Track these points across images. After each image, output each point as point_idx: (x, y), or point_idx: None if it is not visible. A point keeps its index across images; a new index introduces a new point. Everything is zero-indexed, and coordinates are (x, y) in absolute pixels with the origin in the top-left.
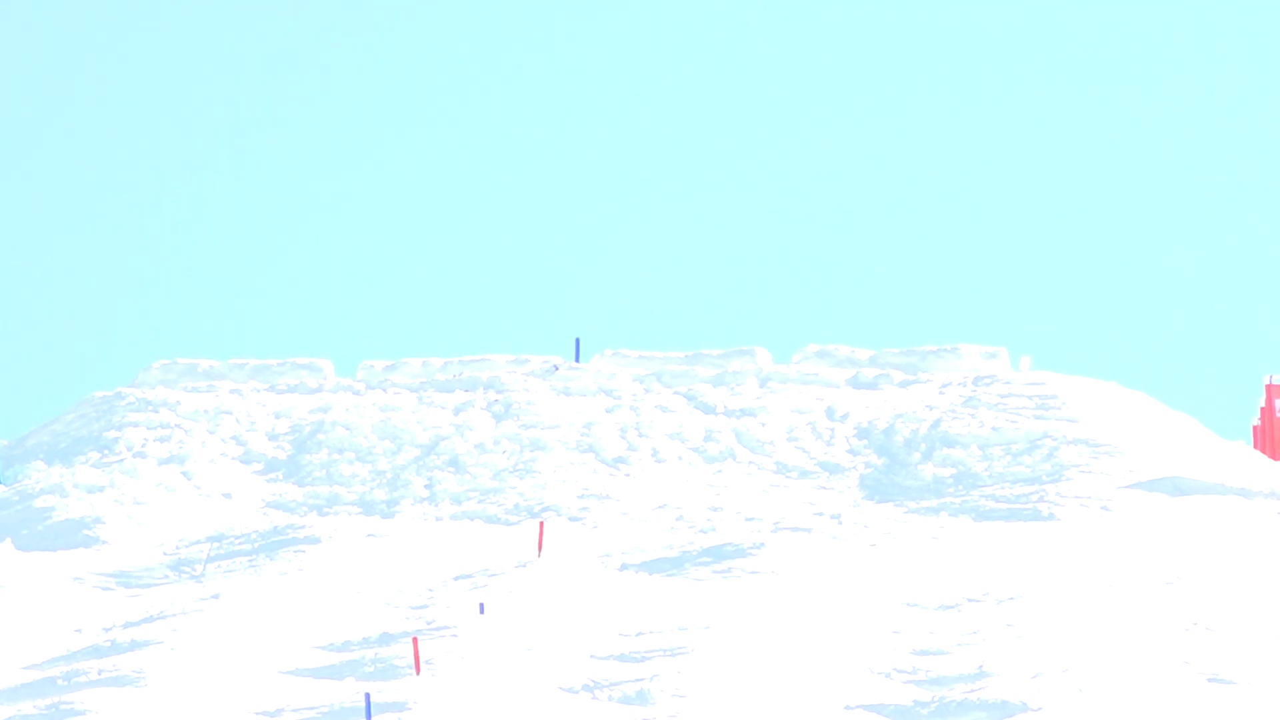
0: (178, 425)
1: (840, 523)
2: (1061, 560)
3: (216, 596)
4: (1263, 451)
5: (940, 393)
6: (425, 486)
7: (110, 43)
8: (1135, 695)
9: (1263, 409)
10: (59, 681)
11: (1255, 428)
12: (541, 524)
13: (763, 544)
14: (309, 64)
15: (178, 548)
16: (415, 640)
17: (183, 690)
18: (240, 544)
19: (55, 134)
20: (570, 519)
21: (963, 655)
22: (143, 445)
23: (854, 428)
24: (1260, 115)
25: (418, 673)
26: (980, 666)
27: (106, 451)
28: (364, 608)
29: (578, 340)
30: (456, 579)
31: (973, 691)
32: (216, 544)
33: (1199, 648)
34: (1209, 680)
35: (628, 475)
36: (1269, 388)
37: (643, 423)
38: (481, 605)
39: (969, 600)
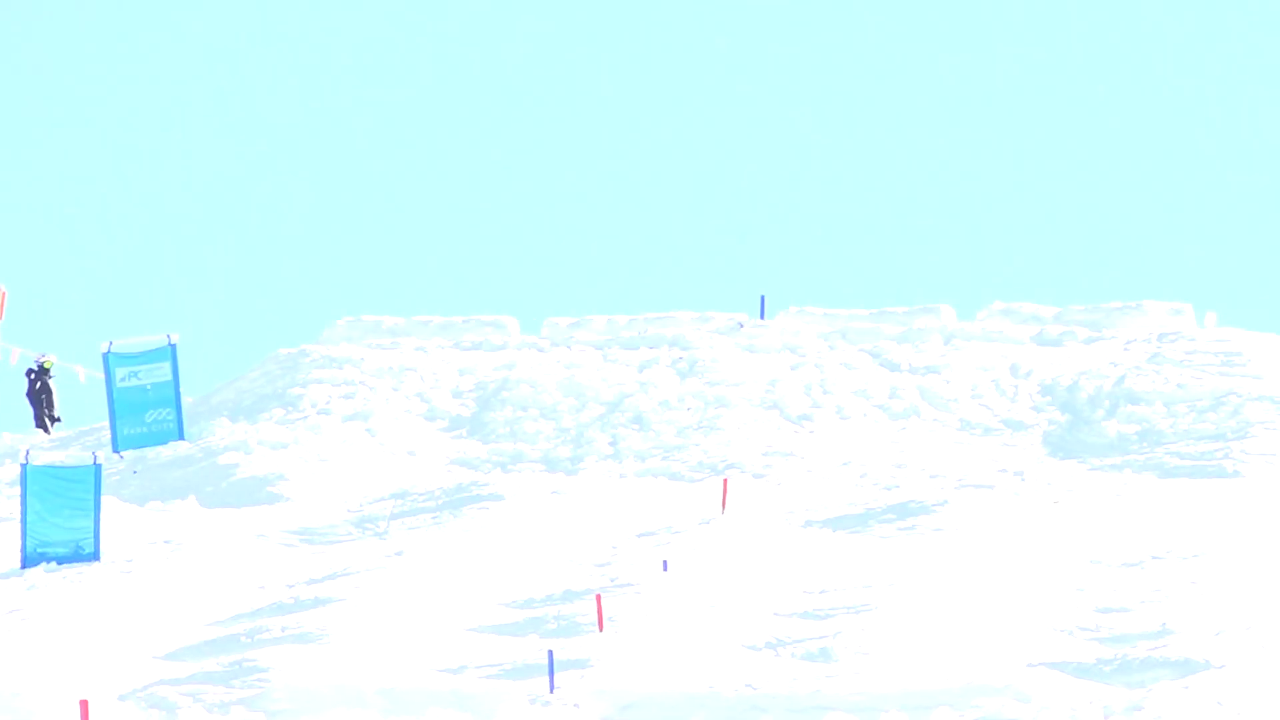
0: (362, 382)
1: (1024, 480)
2: (1245, 517)
3: (400, 553)
4: None
5: (1125, 349)
6: (609, 444)
7: (285, 28)
8: None
9: None
10: (243, 638)
11: None
12: (725, 481)
13: (946, 501)
14: (485, 46)
15: (361, 505)
16: (599, 597)
17: (366, 647)
18: (424, 501)
19: (229, 107)
20: (754, 476)
21: (1146, 613)
22: (327, 402)
23: (1038, 385)
24: None
25: (601, 630)
26: (1163, 624)
27: (291, 408)
28: (547, 565)
29: (763, 297)
30: (640, 536)
31: (1156, 649)
32: (400, 501)
33: None
34: None
35: (812, 432)
36: None
37: (827, 380)
38: (665, 562)
39: (1152, 558)
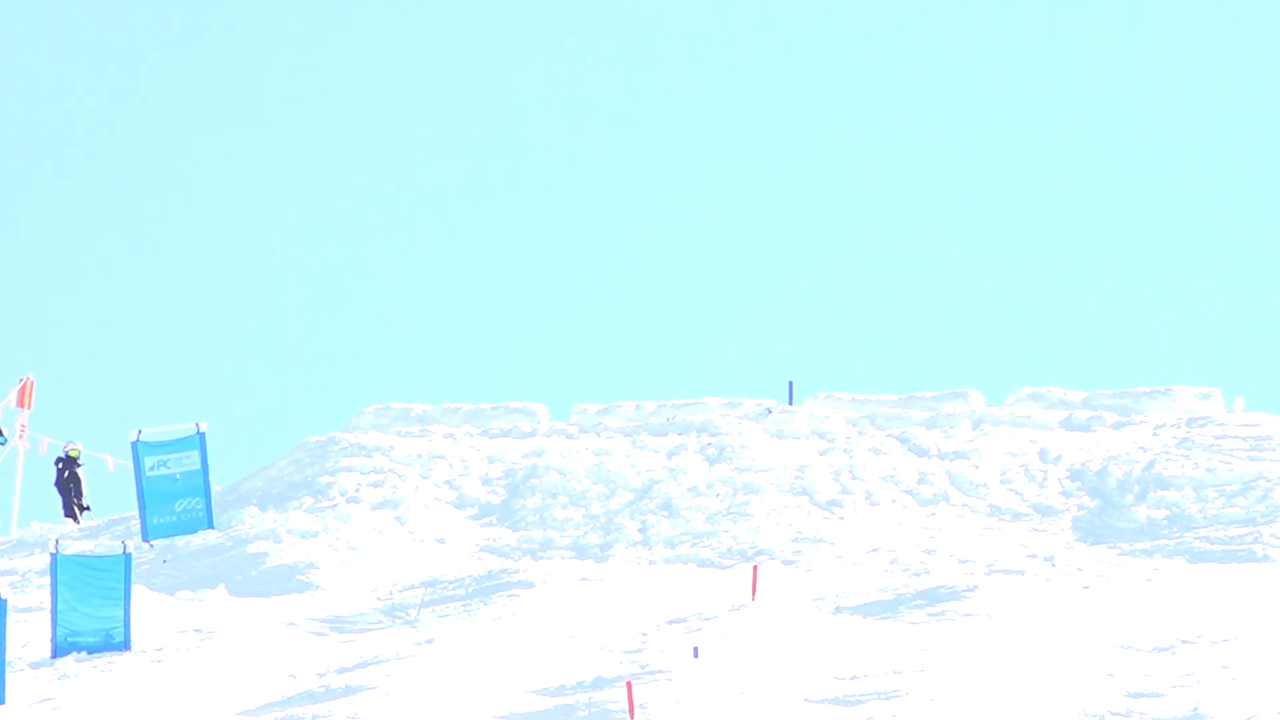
0: (391, 470)
1: (1054, 565)
2: (1277, 601)
3: (430, 641)
4: None
5: (1154, 434)
6: (639, 530)
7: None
8: None
9: None
10: None
11: None
12: (755, 567)
13: (976, 586)
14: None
15: (391, 592)
16: (629, 684)
17: None
18: (454, 588)
19: (259, 196)
20: (784, 562)
21: (1177, 698)
22: (356, 490)
23: (1067, 470)
24: None
25: (632, 717)
26: (1195, 709)
27: (320, 496)
28: (578, 652)
29: (791, 383)
30: (670, 623)
31: None
32: (430, 589)
33: None
34: None
35: (841, 518)
36: None
37: (856, 465)
38: (696, 649)
39: (1183, 642)
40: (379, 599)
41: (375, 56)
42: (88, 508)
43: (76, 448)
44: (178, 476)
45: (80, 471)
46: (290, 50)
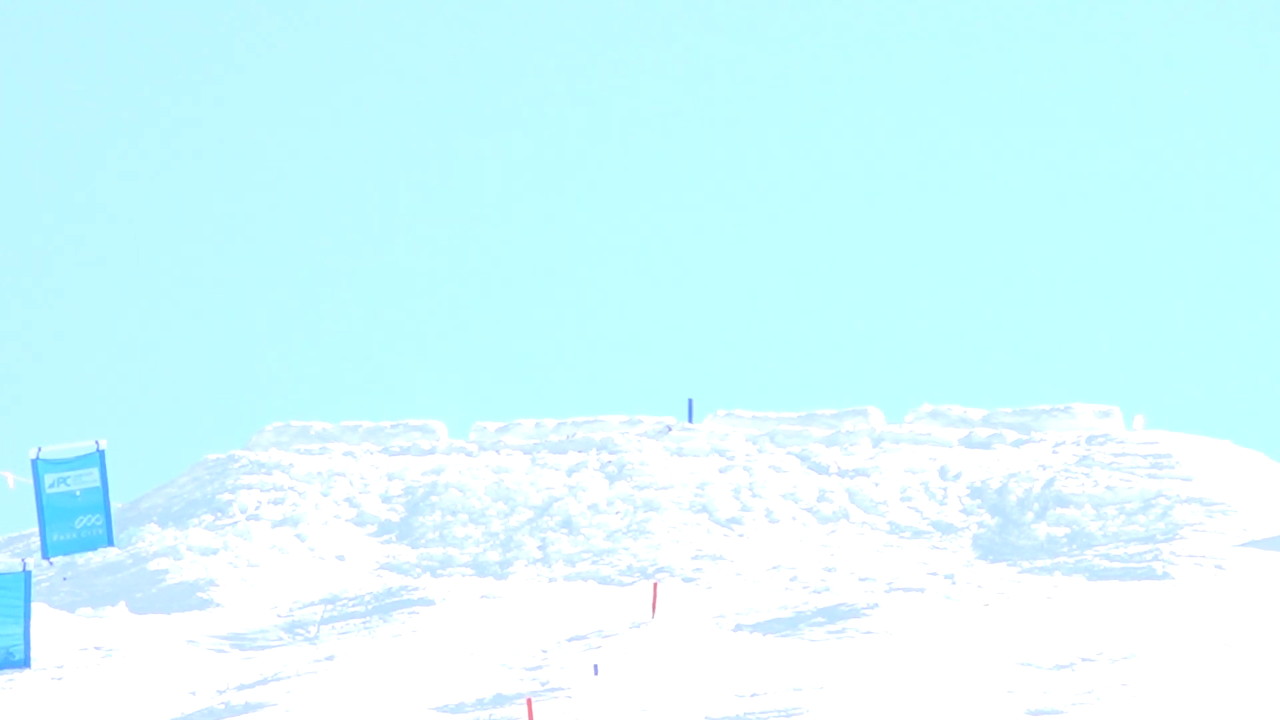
0: (291, 488)
1: (954, 582)
2: (1176, 619)
3: (331, 658)
4: None
5: (1054, 452)
6: (539, 547)
7: (257, 109)
8: None
9: None
10: None
11: None
12: (656, 585)
13: (876, 604)
14: (445, 138)
15: (292, 610)
16: (530, 701)
17: None
18: (354, 606)
19: (162, 200)
20: (684, 579)
21: (1078, 715)
22: (256, 507)
23: (967, 487)
24: None
25: None
26: None
27: (220, 514)
28: (478, 669)
29: (690, 401)
30: (570, 640)
31: None
32: (330, 606)
33: None
34: None
35: (741, 535)
36: None
37: (756, 483)
38: (596, 666)
39: (1083, 660)
40: (279, 616)
41: (268, 91)
42: None
43: None
44: (78, 493)
45: None
46: (172, 84)
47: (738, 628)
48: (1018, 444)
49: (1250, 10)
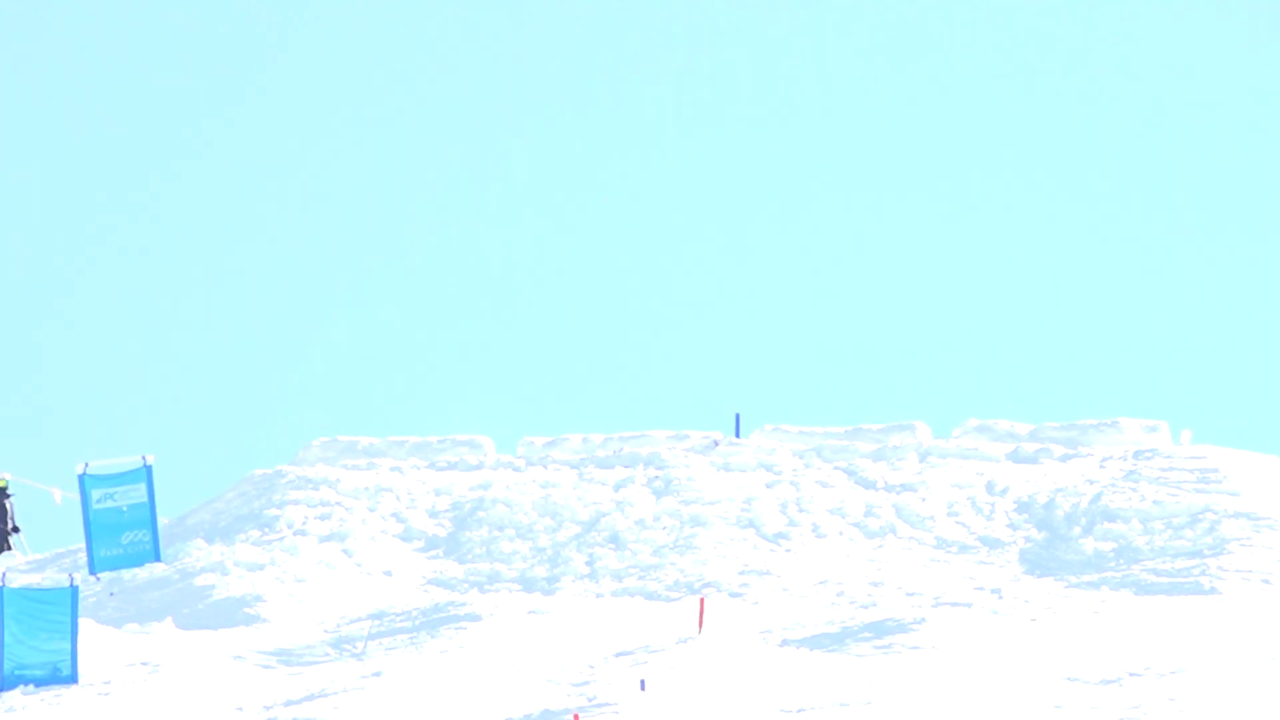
0: (338, 503)
1: (1001, 597)
2: (1224, 634)
3: (378, 674)
4: None
5: (1101, 466)
6: (586, 563)
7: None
8: None
9: None
10: None
11: None
12: (702, 600)
13: (924, 619)
14: (468, 153)
15: (339, 625)
16: (576, 717)
17: None
18: (401, 621)
19: (210, 219)
20: (731, 595)
21: None
22: (303, 523)
23: (1014, 502)
24: None
25: None
26: None
27: (267, 529)
28: (525, 685)
29: (738, 415)
30: (617, 656)
31: None
32: (377, 621)
33: None
34: None
35: (788, 551)
36: None
37: (803, 498)
38: (643, 682)
39: (1131, 675)
40: (326, 631)
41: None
42: (17, 529)
43: (4, 478)
44: (124, 509)
45: (8, 502)
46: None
47: (784, 643)
48: (1065, 458)
49: None
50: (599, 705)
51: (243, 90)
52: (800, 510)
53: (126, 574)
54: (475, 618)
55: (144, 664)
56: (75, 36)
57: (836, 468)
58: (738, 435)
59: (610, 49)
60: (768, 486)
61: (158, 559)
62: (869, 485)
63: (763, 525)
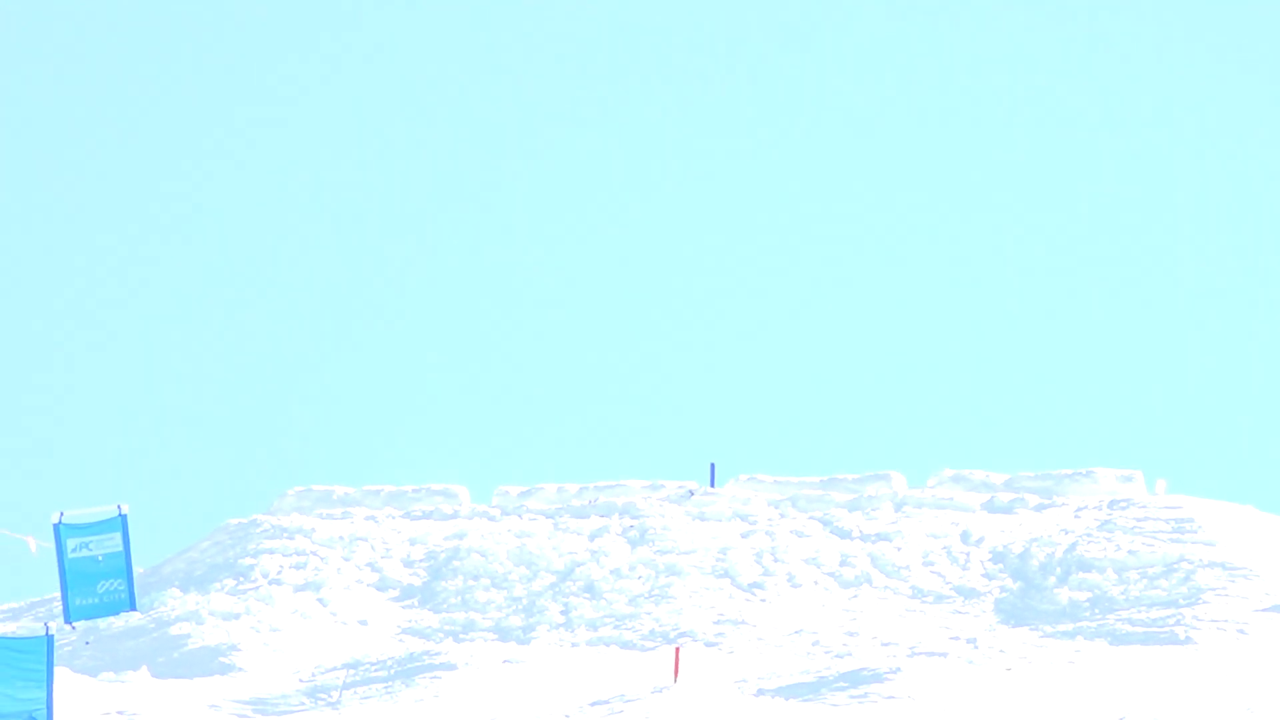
0: (313, 552)
1: (976, 647)
2: (1199, 684)
3: None
4: None
5: (1076, 516)
6: (561, 612)
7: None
8: None
9: None
10: None
11: None
12: (677, 650)
13: (899, 668)
14: (463, 185)
15: (314, 674)
16: None
17: None
18: (376, 670)
19: (185, 263)
20: (706, 644)
21: None
22: (278, 572)
23: (989, 552)
24: None
25: None
26: None
27: (242, 579)
28: None
29: (713, 465)
30: (593, 705)
31: None
32: (352, 671)
33: None
34: None
35: (763, 600)
36: None
37: (778, 547)
38: None
39: None
40: (301, 680)
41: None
42: None
43: None
44: (100, 558)
45: None
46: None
47: (760, 692)
48: (1040, 508)
49: None
50: None
51: (230, 118)
52: (775, 560)
53: (102, 623)
54: (450, 667)
55: (119, 713)
56: (65, 44)
57: (812, 517)
58: (713, 485)
59: (603, 81)
60: (743, 536)
61: (133, 608)
62: (844, 535)
63: (738, 575)
